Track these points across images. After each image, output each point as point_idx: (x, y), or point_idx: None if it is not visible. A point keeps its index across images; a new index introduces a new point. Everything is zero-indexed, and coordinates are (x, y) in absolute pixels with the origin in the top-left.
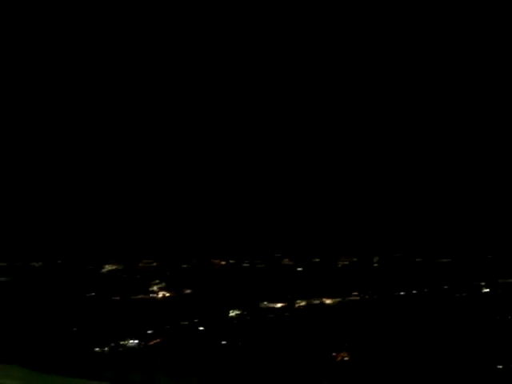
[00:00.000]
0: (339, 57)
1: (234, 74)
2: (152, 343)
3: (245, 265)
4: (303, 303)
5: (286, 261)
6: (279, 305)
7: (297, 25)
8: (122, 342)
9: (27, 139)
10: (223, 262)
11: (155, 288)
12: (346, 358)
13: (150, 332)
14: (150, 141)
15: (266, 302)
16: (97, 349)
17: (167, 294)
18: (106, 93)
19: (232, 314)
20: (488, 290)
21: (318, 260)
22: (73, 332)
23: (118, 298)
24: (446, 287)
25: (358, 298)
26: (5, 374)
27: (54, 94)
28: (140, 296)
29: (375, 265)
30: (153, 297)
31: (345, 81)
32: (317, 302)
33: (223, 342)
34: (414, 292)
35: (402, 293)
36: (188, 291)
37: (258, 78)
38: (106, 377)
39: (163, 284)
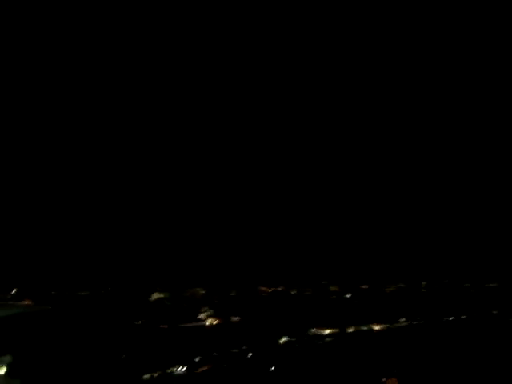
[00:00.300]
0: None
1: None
2: (200, 370)
3: (292, 292)
4: (351, 329)
5: (334, 288)
6: (328, 331)
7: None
8: (170, 370)
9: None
10: (270, 290)
11: (203, 316)
12: None
13: (198, 359)
14: (193, 165)
15: (314, 329)
16: (146, 376)
17: (215, 322)
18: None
19: (281, 340)
20: None
21: (365, 286)
22: (122, 359)
23: (165, 325)
24: (494, 312)
25: (406, 323)
26: None
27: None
28: (188, 324)
29: (423, 290)
30: (201, 324)
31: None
32: (365, 328)
33: (272, 369)
34: (463, 317)
35: (450, 318)
36: (236, 318)
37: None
38: None
39: (211, 311)
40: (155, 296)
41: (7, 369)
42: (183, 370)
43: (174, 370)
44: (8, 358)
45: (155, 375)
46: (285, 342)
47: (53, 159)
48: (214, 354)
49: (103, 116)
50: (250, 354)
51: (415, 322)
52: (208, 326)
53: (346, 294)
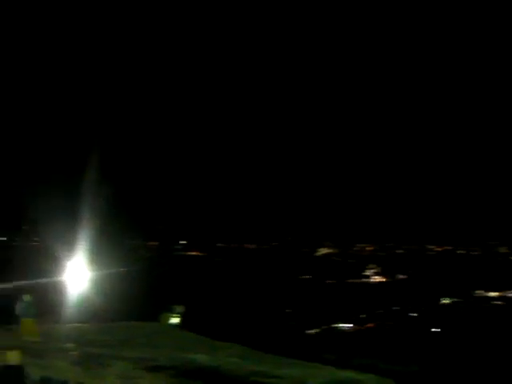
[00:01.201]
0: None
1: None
2: (366, 327)
3: (460, 251)
4: None
5: (503, 249)
6: (494, 294)
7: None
8: (335, 325)
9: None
10: (438, 248)
11: (369, 272)
12: None
13: (363, 316)
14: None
15: (480, 291)
16: (311, 331)
17: (381, 279)
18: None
19: (445, 301)
20: None
21: None
22: (287, 313)
23: (332, 281)
24: None
25: None
26: (227, 352)
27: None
28: (354, 280)
29: None
30: (366, 281)
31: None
32: None
33: (434, 330)
34: None
35: None
36: (402, 276)
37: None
38: (325, 359)
39: (378, 268)
40: (323, 251)
41: (180, 319)
42: (349, 326)
43: (340, 325)
44: (181, 308)
45: (320, 330)
46: (449, 302)
47: None
48: (380, 311)
49: None
50: (415, 314)
51: None
52: (374, 283)
53: None
